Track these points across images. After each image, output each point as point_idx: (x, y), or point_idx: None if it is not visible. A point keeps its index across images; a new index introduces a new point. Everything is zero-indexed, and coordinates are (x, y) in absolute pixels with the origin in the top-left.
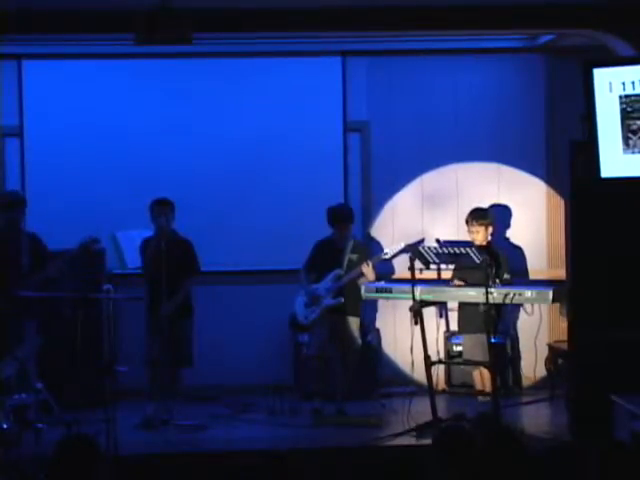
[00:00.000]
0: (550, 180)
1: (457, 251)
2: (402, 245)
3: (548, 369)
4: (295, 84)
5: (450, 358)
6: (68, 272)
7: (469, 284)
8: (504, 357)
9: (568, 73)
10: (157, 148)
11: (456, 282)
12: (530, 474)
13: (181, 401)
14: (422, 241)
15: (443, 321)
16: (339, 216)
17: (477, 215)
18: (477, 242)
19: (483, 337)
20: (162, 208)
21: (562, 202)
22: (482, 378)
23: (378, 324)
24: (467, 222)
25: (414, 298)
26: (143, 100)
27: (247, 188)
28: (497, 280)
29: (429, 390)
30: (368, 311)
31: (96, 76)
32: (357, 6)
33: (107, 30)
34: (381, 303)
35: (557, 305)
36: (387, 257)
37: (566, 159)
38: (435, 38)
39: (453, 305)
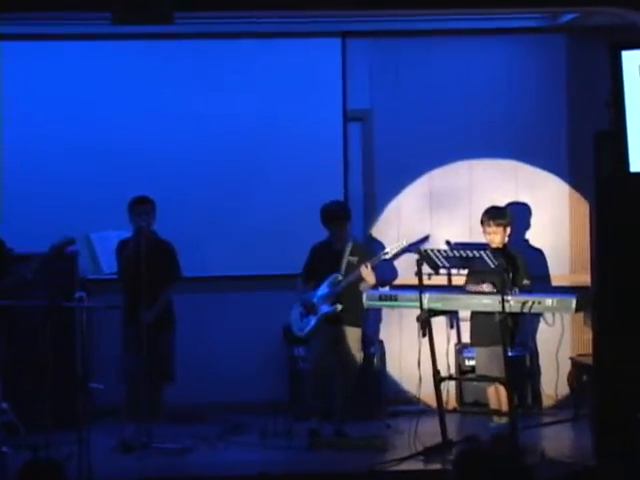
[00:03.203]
0: (573, 175)
1: (470, 254)
2: (404, 243)
3: (571, 386)
4: (290, 69)
5: (462, 374)
6: (37, 278)
7: (483, 291)
8: (522, 372)
9: (593, 56)
10: (138, 139)
11: (474, 287)
12: None
13: (163, 421)
14: (426, 239)
15: (454, 332)
16: (333, 214)
17: (494, 214)
18: (494, 244)
19: (499, 350)
20: (142, 207)
21: (586, 200)
22: (497, 396)
23: (382, 335)
24: (482, 222)
25: (422, 307)
26: (123, 87)
27: (237, 185)
28: (514, 287)
29: (438, 409)
30: (371, 321)
31: (71, 61)
32: None
33: (83, 8)
34: (385, 312)
35: (581, 315)
36: (388, 257)
37: (590, 152)
38: (445, 17)
39: (465, 314)
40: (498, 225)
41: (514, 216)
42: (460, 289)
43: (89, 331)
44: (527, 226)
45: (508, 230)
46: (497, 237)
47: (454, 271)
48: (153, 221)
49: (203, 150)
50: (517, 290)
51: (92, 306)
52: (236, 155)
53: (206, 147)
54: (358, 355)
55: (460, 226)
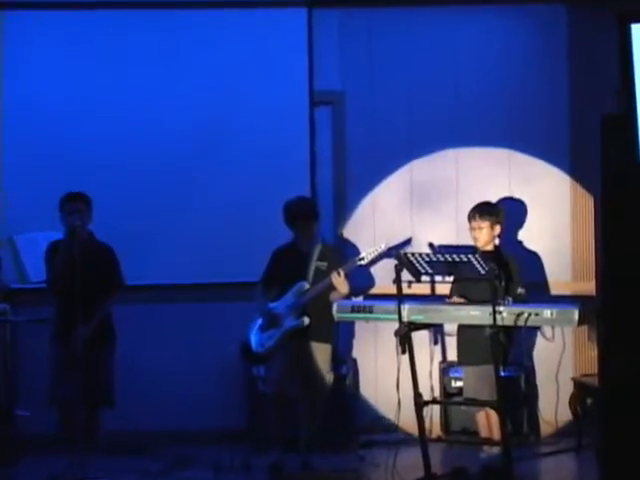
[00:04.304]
0: (576, 166)
1: (456, 259)
2: (382, 247)
3: (573, 411)
4: (246, 44)
5: (447, 397)
6: None
7: (472, 301)
8: (517, 395)
9: (598, 30)
10: (70, 126)
11: (455, 299)
12: None
13: (100, 453)
14: (409, 242)
15: (438, 349)
16: (299, 212)
17: (482, 209)
18: (479, 243)
19: (489, 369)
20: (75, 204)
21: (591, 195)
22: (488, 422)
23: (355, 353)
24: (469, 218)
25: (401, 319)
26: (51, 66)
27: (186, 179)
28: (507, 296)
29: (420, 438)
30: (342, 336)
31: None
32: None
33: None
34: (359, 326)
35: (585, 328)
36: (364, 263)
37: (596, 139)
38: None
39: (451, 329)
40: (484, 220)
41: (506, 214)
42: (445, 299)
43: (14, 349)
44: (522, 226)
45: (497, 229)
46: (482, 234)
47: (438, 278)
48: (89, 221)
49: (146, 139)
50: (511, 300)
51: (17, 320)
52: (185, 145)
53: (149, 136)
54: (327, 376)
55: (445, 226)
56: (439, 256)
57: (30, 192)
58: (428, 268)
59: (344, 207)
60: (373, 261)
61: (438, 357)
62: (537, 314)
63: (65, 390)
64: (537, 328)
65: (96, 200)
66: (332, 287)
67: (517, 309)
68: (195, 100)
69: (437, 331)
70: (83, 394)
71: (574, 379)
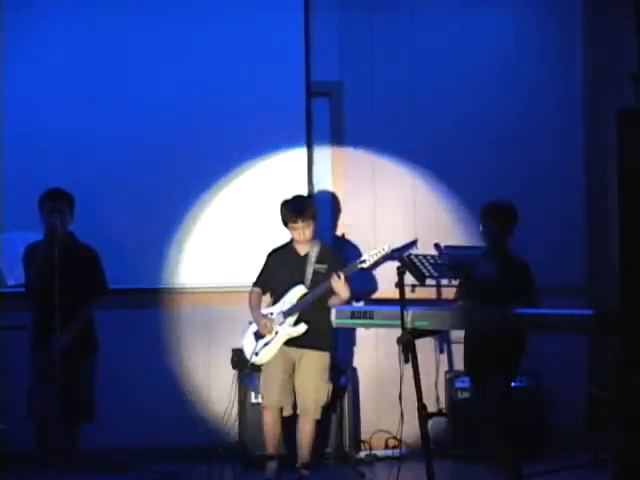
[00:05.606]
0: (590, 162)
1: (463, 260)
2: (386, 249)
3: (589, 423)
4: (239, 31)
5: (454, 409)
6: None
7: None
8: (528, 407)
9: (616, 17)
10: (48, 117)
11: (462, 303)
12: None
13: (80, 470)
14: (414, 243)
15: (444, 357)
16: (294, 211)
17: (493, 209)
18: (489, 244)
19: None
20: (55, 203)
21: (607, 192)
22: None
23: (355, 362)
24: (480, 218)
25: (404, 326)
26: (27, 47)
27: (175, 175)
28: (518, 301)
29: (425, 453)
30: (341, 344)
31: None
32: None
33: None
34: (359, 333)
35: (602, 336)
36: (366, 266)
37: (613, 134)
38: None
39: (458, 335)
40: (494, 220)
41: (517, 214)
42: (451, 303)
43: None
44: (533, 225)
45: (509, 229)
46: (491, 235)
47: (444, 281)
48: (70, 220)
49: (134, 132)
50: (521, 305)
51: None
52: (176, 140)
53: (137, 128)
54: (325, 387)
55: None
56: (445, 258)
57: (6, 190)
58: (433, 271)
59: (343, 206)
60: (376, 264)
61: (444, 366)
62: (550, 320)
63: (42, 402)
64: (550, 335)
65: (82, 200)
66: (331, 291)
67: (528, 314)
68: (186, 91)
69: (443, 338)
70: (61, 407)
71: (590, 390)
